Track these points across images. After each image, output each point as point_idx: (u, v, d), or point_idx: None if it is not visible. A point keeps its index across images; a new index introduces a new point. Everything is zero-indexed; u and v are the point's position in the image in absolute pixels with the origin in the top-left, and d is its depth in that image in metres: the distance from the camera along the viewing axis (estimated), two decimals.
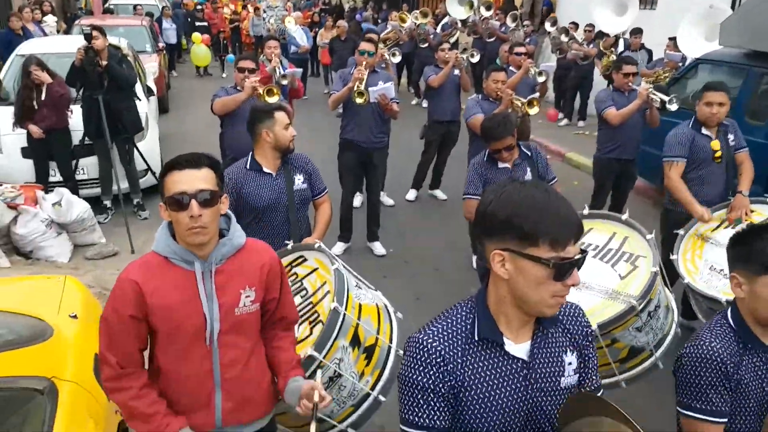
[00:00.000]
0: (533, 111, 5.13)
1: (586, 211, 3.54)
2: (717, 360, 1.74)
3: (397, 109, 5.41)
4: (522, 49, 6.51)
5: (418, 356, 1.42)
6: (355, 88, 5.19)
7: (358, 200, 6.56)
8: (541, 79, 6.36)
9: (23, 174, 6.00)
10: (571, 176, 7.84)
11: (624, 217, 3.40)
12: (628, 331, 2.85)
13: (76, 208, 5.32)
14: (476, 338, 1.44)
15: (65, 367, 2.38)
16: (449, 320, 1.47)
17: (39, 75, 5.68)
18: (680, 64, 7.85)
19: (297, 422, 2.46)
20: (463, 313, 1.47)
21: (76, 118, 6.02)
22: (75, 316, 2.67)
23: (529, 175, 3.76)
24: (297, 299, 2.69)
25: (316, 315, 2.61)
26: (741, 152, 4.21)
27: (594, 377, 1.57)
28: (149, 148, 6.56)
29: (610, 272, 3.17)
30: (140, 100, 6.57)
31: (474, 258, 5.47)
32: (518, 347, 1.45)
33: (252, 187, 3.27)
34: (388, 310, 2.81)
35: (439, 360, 1.41)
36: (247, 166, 3.31)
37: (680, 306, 3.78)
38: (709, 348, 1.77)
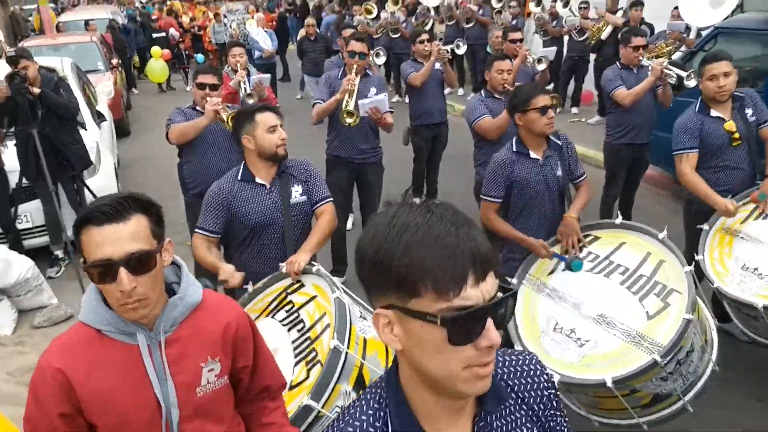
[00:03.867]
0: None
1: (618, 220, 3.11)
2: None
3: (391, 122, 4.62)
4: (518, 35, 5.78)
5: None
6: (344, 106, 4.37)
7: (349, 222, 5.77)
8: (540, 67, 5.63)
9: None
10: None
11: (661, 235, 2.90)
12: (651, 381, 2.57)
13: (15, 267, 4.46)
14: None
15: None
16: (351, 426, 1.02)
17: None
18: (684, 35, 7.17)
19: None
20: (371, 411, 1.03)
21: (11, 157, 5.16)
22: None
23: (559, 172, 3.22)
24: (293, 333, 2.42)
25: (314, 354, 2.29)
26: (765, 127, 3.59)
27: None
28: (103, 184, 5.68)
29: (638, 308, 2.73)
30: (86, 129, 5.69)
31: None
32: None
33: (243, 201, 2.85)
34: None
35: None
36: (239, 177, 2.89)
37: (710, 305, 3.30)
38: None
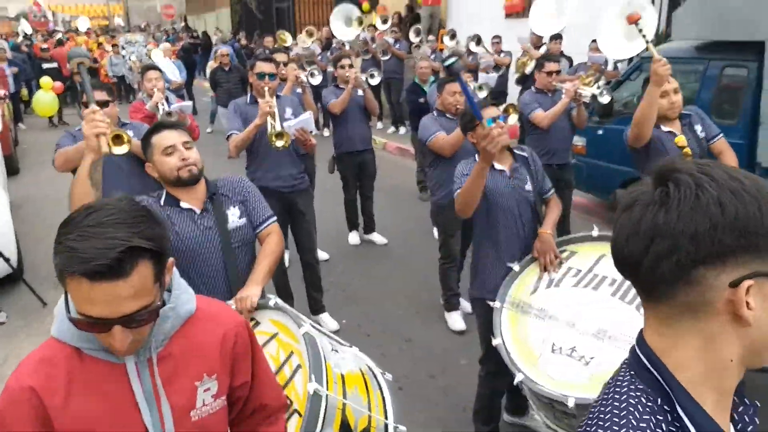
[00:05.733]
0: (511, 120, 4.24)
1: (595, 233, 2.96)
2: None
3: (315, 143, 4.32)
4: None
5: None
6: (270, 130, 3.99)
7: (286, 258, 5.32)
8: (482, 94, 5.59)
9: None
10: None
11: None
12: None
13: None
14: None
15: None
16: None
17: None
18: (603, 67, 7.45)
19: None
20: (646, 416, 0.86)
21: None
22: None
23: (529, 186, 3.05)
24: None
25: (287, 402, 1.97)
26: (716, 141, 3.59)
27: None
28: None
29: (636, 317, 2.57)
30: None
31: (453, 314, 4.47)
32: None
33: (169, 228, 2.43)
34: (373, 372, 2.32)
35: None
36: (162, 202, 2.47)
37: None
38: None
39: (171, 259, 1.36)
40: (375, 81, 6.63)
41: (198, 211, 2.47)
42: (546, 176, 3.21)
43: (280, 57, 5.52)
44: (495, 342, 2.70)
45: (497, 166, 2.97)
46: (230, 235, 2.50)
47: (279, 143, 3.98)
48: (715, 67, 5.07)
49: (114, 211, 1.21)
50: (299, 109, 4.40)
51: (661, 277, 0.86)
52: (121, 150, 3.34)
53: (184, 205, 2.46)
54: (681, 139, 3.43)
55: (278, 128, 3.99)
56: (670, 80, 3.40)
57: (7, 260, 4.80)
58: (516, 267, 2.92)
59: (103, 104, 3.47)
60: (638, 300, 2.54)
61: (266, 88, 4.05)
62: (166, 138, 2.42)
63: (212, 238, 2.46)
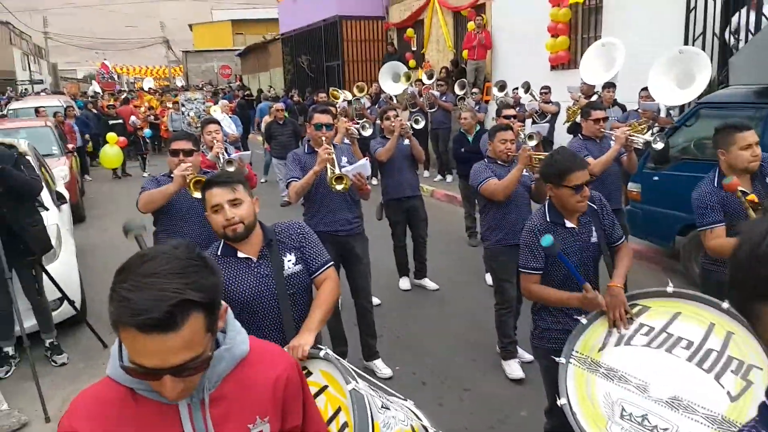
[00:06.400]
0: None
1: (670, 289, 2.74)
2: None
3: (370, 188, 4.43)
4: (511, 112, 5.83)
5: None
6: (330, 175, 4.12)
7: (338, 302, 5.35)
8: (532, 143, 5.59)
9: None
10: None
11: (725, 305, 2.55)
12: None
13: None
14: None
15: None
16: None
17: None
18: (656, 114, 7.37)
19: None
20: None
21: None
22: None
23: (594, 238, 2.95)
24: None
25: None
26: None
27: None
28: (64, 269, 5.11)
29: (716, 388, 2.36)
30: (48, 209, 5.17)
31: (511, 363, 4.35)
32: None
33: (225, 279, 2.45)
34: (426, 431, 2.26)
35: None
36: (219, 252, 2.51)
37: None
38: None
39: (225, 305, 1.35)
40: (419, 126, 6.76)
41: (255, 260, 2.48)
42: (616, 224, 3.11)
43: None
44: (560, 402, 2.54)
45: (567, 223, 2.91)
46: (286, 282, 2.50)
47: (339, 186, 4.10)
48: None
49: (168, 259, 1.21)
50: (353, 158, 4.52)
51: (736, 306, 0.96)
52: (198, 194, 3.59)
53: (240, 255, 2.48)
54: (752, 197, 3.20)
55: (338, 172, 4.11)
56: (751, 134, 3.24)
57: (71, 302, 4.97)
58: (583, 320, 2.77)
59: (188, 153, 3.76)
60: (717, 368, 2.41)
61: (323, 138, 4.21)
62: (214, 196, 2.42)
63: (269, 286, 2.47)
